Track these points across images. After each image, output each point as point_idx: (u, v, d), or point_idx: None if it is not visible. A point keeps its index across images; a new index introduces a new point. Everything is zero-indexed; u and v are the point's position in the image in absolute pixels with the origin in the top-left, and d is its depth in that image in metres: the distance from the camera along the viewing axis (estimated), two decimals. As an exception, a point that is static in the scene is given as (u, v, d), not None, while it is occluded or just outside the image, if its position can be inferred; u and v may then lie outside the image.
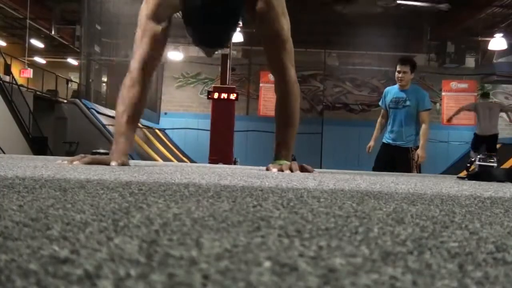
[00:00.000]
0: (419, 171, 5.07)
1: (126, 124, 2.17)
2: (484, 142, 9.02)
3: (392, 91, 5.03)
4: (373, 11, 13.29)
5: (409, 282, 0.29)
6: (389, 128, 5.02)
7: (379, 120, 5.24)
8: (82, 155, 2.02)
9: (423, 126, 4.90)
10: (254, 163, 4.47)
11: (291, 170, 2.13)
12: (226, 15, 1.92)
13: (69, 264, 0.30)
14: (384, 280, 0.29)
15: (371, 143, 5.17)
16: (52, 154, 11.43)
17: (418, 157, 5.02)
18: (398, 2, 12.57)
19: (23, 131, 11.65)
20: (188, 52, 18.98)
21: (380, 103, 5.21)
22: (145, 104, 2.31)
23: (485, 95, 9.69)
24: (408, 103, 4.85)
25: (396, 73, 4.89)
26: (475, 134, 9.34)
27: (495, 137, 9.05)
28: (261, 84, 15.91)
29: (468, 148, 16.33)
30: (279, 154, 2.33)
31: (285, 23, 2.41)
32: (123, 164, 1.98)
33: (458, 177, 2.62)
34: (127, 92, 2.20)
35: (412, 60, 5.19)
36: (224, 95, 10.52)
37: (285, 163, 2.24)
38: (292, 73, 2.44)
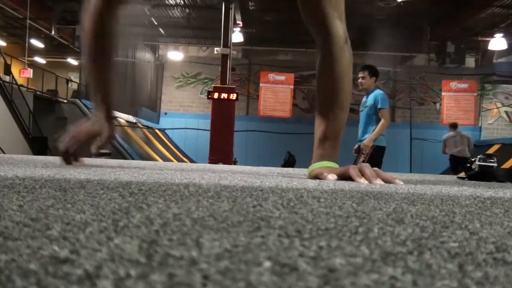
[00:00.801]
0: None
1: (103, 82, 2.00)
2: (460, 164, 9.63)
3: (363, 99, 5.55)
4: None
5: (409, 282, 0.29)
6: None
7: None
8: (71, 133, 1.85)
9: (381, 121, 5.18)
10: (254, 163, 4.48)
11: (367, 178, 1.42)
12: None
13: (69, 264, 0.30)
14: (384, 280, 0.29)
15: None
16: (52, 154, 11.44)
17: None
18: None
19: (23, 131, 11.66)
20: (188, 52, 19.01)
21: None
22: (116, 52, 2.05)
23: (454, 125, 10.20)
24: (366, 104, 5.31)
25: (358, 80, 5.35)
26: (452, 155, 9.77)
27: (466, 159, 9.51)
28: (261, 84, 15.91)
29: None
30: (323, 152, 1.65)
31: None
32: (109, 136, 1.87)
33: (458, 177, 2.62)
34: (92, 41, 1.88)
35: (370, 66, 5.58)
36: (224, 95, 10.53)
37: (333, 165, 1.60)
38: (340, 29, 1.70)
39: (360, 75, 5.36)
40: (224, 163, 8.16)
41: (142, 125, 15.75)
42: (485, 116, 18.66)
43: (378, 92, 5.36)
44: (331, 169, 1.56)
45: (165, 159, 13.47)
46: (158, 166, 2.31)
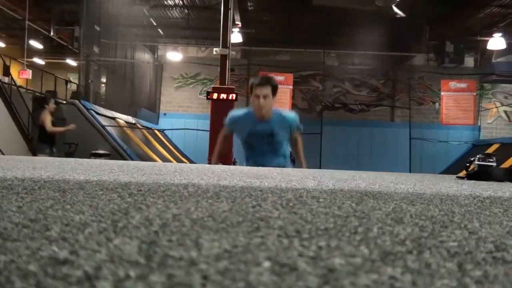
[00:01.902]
0: None
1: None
2: None
3: None
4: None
5: (408, 282, 0.29)
6: None
7: None
8: None
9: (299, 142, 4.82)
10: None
11: None
12: None
13: (69, 265, 0.30)
14: (383, 280, 0.29)
15: None
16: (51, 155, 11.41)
17: None
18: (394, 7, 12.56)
19: (22, 132, 11.65)
20: (187, 52, 19.00)
21: None
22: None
23: None
24: (274, 131, 4.13)
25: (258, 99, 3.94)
26: None
27: None
28: (260, 85, 15.90)
29: (468, 147, 16.39)
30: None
31: None
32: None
33: (457, 177, 2.62)
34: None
35: (269, 78, 4.16)
36: (223, 96, 10.52)
37: None
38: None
39: (263, 91, 3.79)
40: (224, 163, 8.14)
41: (141, 126, 15.74)
42: (484, 116, 18.66)
43: (285, 112, 4.21)
44: None
45: (164, 159, 13.47)
46: (157, 167, 2.31)
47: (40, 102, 8.54)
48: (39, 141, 8.30)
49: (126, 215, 0.52)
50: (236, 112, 4.19)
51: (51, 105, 8.58)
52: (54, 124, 8.65)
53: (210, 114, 10.73)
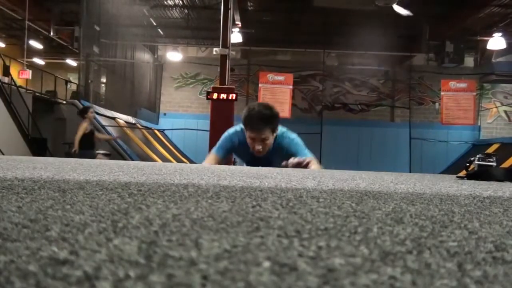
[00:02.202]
0: None
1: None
2: None
3: None
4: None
5: (408, 282, 0.29)
6: None
7: None
8: None
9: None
10: (254, 164, 4.45)
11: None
12: None
13: (68, 266, 0.30)
14: (383, 280, 0.29)
15: None
16: (51, 155, 11.43)
17: None
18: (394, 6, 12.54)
19: (22, 132, 11.67)
20: (187, 52, 19.01)
21: None
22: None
23: None
24: (274, 157, 3.50)
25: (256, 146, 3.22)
26: None
27: None
28: (260, 85, 15.91)
29: (468, 147, 16.40)
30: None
31: None
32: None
33: (457, 177, 2.62)
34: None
35: (273, 116, 3.12)
36: (223, 96, 10.52)
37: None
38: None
39: (260, 136, 3.01)
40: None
41: (141, 125, 15.75)
42: (484, 116, 18.68)
43: (287, 134, 3.21)
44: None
45: (164, 159, 13.47)
46: (157, 167, 2.31)
47: (81, 113, 8.70)
48: (82, 149, 8.32)
49: (126, 215, 0.52)
50: (229, 140, 3.26)
51: (90, 114, 8.70)
52: (90, 134, 8.66)
53: (210, 114, 10.74)
